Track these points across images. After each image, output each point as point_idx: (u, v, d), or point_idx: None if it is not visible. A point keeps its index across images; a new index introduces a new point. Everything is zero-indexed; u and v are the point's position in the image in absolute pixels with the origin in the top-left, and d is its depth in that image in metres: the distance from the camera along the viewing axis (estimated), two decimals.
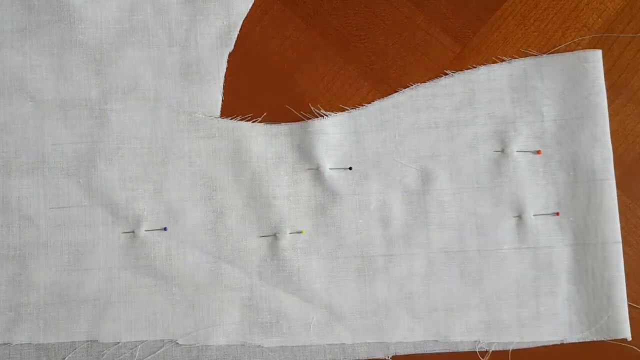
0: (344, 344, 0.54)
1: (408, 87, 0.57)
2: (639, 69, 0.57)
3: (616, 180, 0.55)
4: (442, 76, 0.57)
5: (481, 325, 0.55)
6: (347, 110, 0.57)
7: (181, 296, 0.54)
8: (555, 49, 0.57)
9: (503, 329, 0.55)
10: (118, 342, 0.54)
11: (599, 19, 0.58)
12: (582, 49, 0.57)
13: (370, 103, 0.57)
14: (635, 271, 0.56)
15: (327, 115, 0.56)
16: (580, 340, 0.55)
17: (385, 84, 0.57)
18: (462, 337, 0.55)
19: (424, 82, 0.57)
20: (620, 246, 0.55)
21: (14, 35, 0.56)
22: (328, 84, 0.57)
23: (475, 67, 0.57)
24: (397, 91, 0.57)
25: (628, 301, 0.55)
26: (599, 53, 0.56)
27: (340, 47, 0.57)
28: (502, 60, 0.57)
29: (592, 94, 0.56)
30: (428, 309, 0.55)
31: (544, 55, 0.57)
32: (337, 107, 0.57)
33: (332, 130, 0.56)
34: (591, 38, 0.57)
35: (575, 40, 0.57)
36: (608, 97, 0.56)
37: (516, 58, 0.57)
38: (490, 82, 0.57)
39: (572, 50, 0.57)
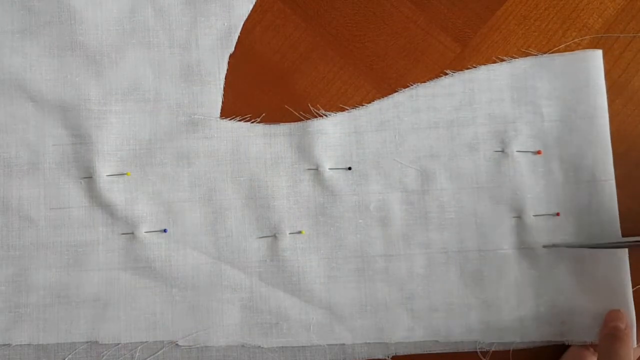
0: (344, 344, 0.54)
1: (408, 87, 0.56)
2: (639, 69, 0.56)
3: (616, 180, 0.55)
4: (442, 76, 0.56)
5: (481, 325, 0.54)
6: (347, 110, 0.55)
7: (181, 297, 0.54)
8: (556, 48, 0.56)
9: (503, 329, 0.54)
10: (118, 344, 0.53)
11: (599, 19, 0.57)
12: (583, 49, 0.56)
13: (370, 103, 0.56)
14: (635, 271, 0.54)
15: (326, 115, 0.55)
16: (582, 342, 0.53)
17: (385, 84, 0.56)
18: (462, 337, 0.54)
19: (424, 82, 0.56)
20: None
21: (14, 36, 0.55)
22: (328, 84, 0.56)
23: (475, 67, 0.56)
24: (397, 91, 0.56)
25: None
26: (599, 53, 0.55)
27: (340, 47, 0.57)
28: (503, 60, 0.56)
29: (592, 95, 0.55)
30: (428, 309, 0.54)
31: (545, 55, 0.56)
32: (337, 107, 0.56)
33: (331, 130, 0.55)
34: (591, 38, 0.56)
35: (576, 40, 0.56)
36: (608, 98, 0.55)
37: (517, 58, 0.56)
38: (491, 81, 0.56)
39: (572, 50, 0.56)
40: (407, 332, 0.54)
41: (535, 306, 0.54)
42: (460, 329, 0.54)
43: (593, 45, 0.56)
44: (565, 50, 0.56)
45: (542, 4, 0.57)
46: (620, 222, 0.54)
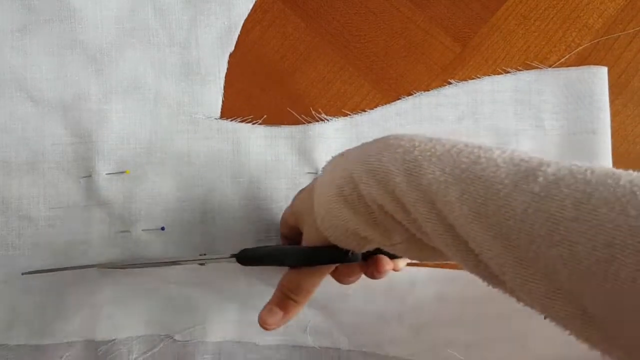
0: (339, 349, 0.52)
1: (409, 88, 0.55)
2: (639, 69, 0.55)
3: None
4: (443, 80, 0.55)
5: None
6: (349, 115, 0.54)
7: (178, 293, 0.52)
8: (556, 52, 0.54)
9: None
10: (114, 339, 0.52)
11: (600, 19, 0.55)
12: (583, 49, 0.54)
13: (370, 103, 0.55)
14: None
15: (328, 120, 0.54)
16: None
17: (385, 84, 0.55)
18: None
19: (425, 82, 0.55)
20: None
21: (14, 35, 0.54)
22: (328, 84, 0.55)
23: (479, 77, 0.54)
24: (400, 97, 0.54)
25: None
26: (604, 70, 0.54)
27: (340, 47, 0.55)
28: (507, 72, 0.54)
29: (595, 110, 0.54)
30: (429, 326, 0.52)
31: (549, 69, 0.54)
32: (337, 107, 0.54)
33: (332, 135, 0.54)
34: (591, 38, 0.55)
35: (577, 47, 0.55)
36: (608, 97, 0.54)
37: (521, 70, 0.54)
38: (494, 93, 0.54)
39: (573, 50, 0.54)
40: (405, 347, 0.52)
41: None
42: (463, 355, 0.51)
43: (593, 45, 0.55)
44: (565, 50, 0.55)
45: (542, 4, 0.55)
46: None
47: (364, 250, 0.40)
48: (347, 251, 0.39)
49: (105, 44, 0.54)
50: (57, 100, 0.53)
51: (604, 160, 0.53)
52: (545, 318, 0.29)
